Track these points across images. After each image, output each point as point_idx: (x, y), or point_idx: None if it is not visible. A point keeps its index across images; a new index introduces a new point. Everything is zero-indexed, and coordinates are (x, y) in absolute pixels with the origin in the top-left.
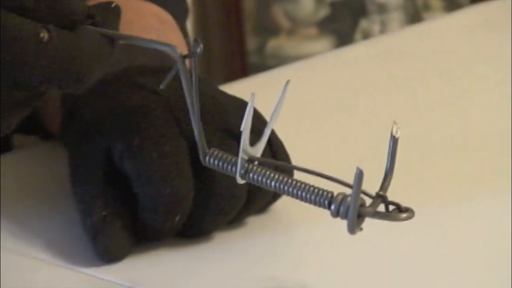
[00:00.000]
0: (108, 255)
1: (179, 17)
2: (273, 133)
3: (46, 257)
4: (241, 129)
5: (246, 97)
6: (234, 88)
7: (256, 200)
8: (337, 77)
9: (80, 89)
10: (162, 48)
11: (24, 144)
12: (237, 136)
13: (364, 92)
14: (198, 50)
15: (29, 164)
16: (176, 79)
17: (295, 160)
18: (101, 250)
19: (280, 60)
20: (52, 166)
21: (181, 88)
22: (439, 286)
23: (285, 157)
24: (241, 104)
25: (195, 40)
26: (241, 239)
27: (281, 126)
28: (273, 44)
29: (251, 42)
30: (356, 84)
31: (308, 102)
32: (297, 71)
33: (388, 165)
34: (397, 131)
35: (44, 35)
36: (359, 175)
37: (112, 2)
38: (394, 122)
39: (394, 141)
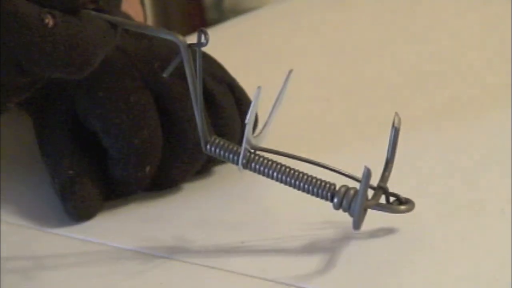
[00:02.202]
0: (77, 213)
1: None
2: (234, 80)
3: (16, 221)
4: (246, 121)
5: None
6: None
7: None
8: (294, 24)
9: (84, 75)
10: (167, 37)
11: None
12: None
13: (322, 36)
14: (204, 40)
15: None
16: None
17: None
18: (69, 209)
19: (239, 14)
20: (18, 130)
21: (142, 43)
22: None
23: (248, 102)
24: None
25: (200, 30)
26: (209, 188)
27: (244, 78)
28: None
29: None
30: (313, 29)
31: (265, 51)
32: (254, 20)
33: (389, 155)
34: (398, 122)
35: (49, 20)
36: (367, 174)
37: None
38: (396, 114)
39: (395, 131)
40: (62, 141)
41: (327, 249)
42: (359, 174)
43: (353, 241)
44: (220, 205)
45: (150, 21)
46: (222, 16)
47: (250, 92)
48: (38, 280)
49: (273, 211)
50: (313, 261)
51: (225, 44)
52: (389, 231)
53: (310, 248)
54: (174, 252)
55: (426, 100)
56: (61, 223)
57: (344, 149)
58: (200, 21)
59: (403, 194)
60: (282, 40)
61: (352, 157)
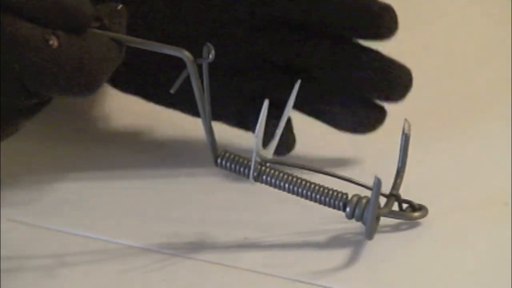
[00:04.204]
0: None
1: None
2: None
3: (17, 218)
4: (255, 134)
5: None
6: None
7: None
8: None
9: (91, 94)
10: (172, 52)
11: None
12: None
13: None
14: (210, 55)
15: None
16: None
17: None
18: None
19: None
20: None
21: None
22: None
23: None
24: None
25: (206, 45)
26: (213, 183)
27: None
28: None
29: None
30: None
31: None
32: None
33: (400, 162)
34: (408, 128)
35: (54, 41)
36: (378, 183)
37: (117, 4)
38: (406, 120)
39: (405, 138)
40: None
41: (336, 244)
42: (370, 183)
43: (358, 236)
44: (223, 201)
45: None
46: None
47: None
48: (43, 277)
49: (277, 208)
50: (336, 254)
51: None
52: (411, 224)
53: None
54: (176, 248)
55: (430, 99)
56: (65, 220)
57: (354, 158)
58: None
59: (412, 193)
60: None
61: (363, 166)
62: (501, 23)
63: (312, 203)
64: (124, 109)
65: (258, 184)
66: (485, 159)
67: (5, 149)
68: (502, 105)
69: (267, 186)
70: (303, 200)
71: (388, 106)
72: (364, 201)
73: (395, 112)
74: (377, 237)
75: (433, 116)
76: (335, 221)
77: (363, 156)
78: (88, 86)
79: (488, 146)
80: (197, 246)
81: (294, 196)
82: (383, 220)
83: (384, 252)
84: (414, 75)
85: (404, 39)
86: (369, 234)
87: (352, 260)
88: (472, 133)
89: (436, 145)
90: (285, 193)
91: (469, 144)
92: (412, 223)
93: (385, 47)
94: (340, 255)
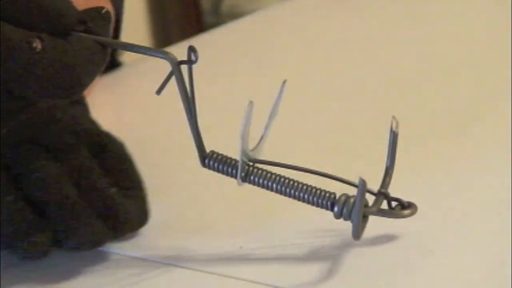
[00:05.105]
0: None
1: None
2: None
3: None
4: (240, 135)
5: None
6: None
7: None
8: (292, 28)
9: (75, 98)
10: (158, 55)
11: None
12: None
13: (320, 39)
14: (193, 57)
15: None
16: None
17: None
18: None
19: (236, 18)
20: None
21: None
22: None
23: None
24: None
25: (190, 47)
26: (208, 194)
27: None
28: (228, 2)
29: (206, 2)
30: (311, 32)
31: (262, 55)
32: (251, 24)
33: (389, 161)
34: (396, 126)
35: (37, 44)
36: (362, 184)
37: (102, 8)
38: (393, 117)
39: (394, 136)
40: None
41: (327, 255)
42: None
43: (354, 248)
44: (218, 210)
45: (147, 27)
46: (219, 20)
47: (246, 95)
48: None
49: (272, 216)
50: (313, 267)
51: (222, 48)
52: (389, 237)
53: (310, 254)
54: (172, 258)
55: (424, 103)
56: None
57: (344, 156)
58: (198, 25)
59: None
60: (279, 43)
61: (353, 163)
62: (501, 23)
63: (310, 211)
64: (114, 118)
65: (254, 192)
66: (480, 168)
67: None
68: (500, 111)
69: (262, 195)
70: (299, 207)
71: (382, 106)
72: (352, 200)
73: (391, 111)
74: (374, 247)
75: (427, 123)
76: (333, 229)
77: (353, 154)
78: (72, 90)
79: (485, 153)
80: (191, 255)
81: (291, 204)
82: (379, 228)
83: (381, 263)
84: (413, 75)
85: (404, 38)
86: (356, 233)
87: (347, 270)
88: (469, 139)
89: (431, 152)
90: (277, 201)
91: (465, 152)
92: (403, 235)
93: (387, 47)
94: (337, 264)
